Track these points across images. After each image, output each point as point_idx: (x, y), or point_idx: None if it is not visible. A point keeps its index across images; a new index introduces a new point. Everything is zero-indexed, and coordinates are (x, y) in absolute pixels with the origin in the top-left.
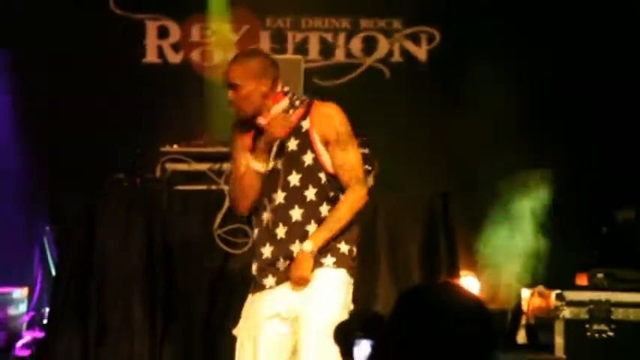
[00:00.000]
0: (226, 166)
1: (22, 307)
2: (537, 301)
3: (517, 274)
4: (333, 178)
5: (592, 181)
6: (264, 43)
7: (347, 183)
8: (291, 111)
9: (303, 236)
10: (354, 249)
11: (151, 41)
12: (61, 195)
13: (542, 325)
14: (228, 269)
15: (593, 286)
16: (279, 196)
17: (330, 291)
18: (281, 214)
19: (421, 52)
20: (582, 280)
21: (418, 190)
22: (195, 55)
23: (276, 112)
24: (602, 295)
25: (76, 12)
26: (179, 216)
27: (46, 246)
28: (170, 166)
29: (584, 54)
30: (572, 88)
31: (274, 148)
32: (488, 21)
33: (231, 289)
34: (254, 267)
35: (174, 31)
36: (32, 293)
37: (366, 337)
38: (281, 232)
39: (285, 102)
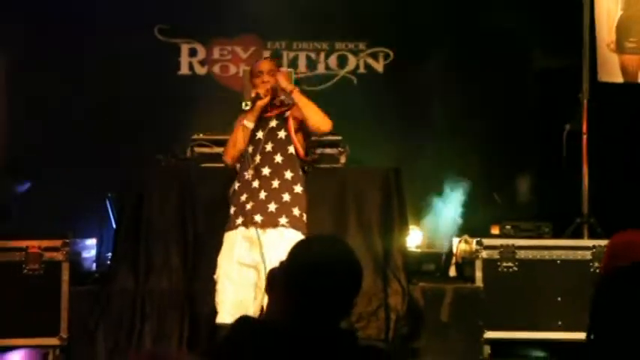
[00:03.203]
0: None
1: (93, 252)
2: (463, 246)
3: (448, 227)
4: (296, 153)
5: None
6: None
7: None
8: (286, 102)
9: (271, 193)
10: (304, 215)
11: (184, 59)
12: (119, 171)
13: (466, 263)
14: None
15: (502, 235)
16: (257, 159)
17: (283, 246)
18: (258, 172)
19: (379, 66)
20: (495, 230)
21: (377, 166)
22: (215, 69)
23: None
24: (509, 241)
25: (131, 39)
26: (203, 186)
27: (109, 208)
28: (197, 149)
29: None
30: (490, 97)
31: (257, 131)
32: (428, 43)
33: None
34: (232, 211)
35: (201, 51)
36: (99, 242)
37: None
38: (255, 185)
39: (282, 96)
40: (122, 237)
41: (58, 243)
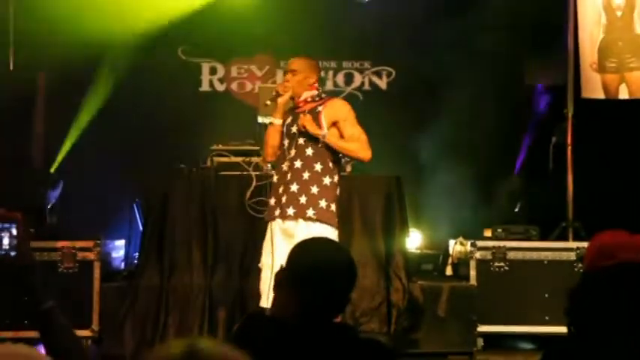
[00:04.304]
0: (254, 158)
1: (121, 252)
2: (458, 248)
3: (446, 231)
4: (327, 146)
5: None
6: (279, 77)
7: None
8: (317, 98)
9: (301, 184)
10: (333, 205)
11: (205, 76)
12: (145, 179)
13: (461, 263)
14: (255, 226)
15: (494, 237)
16: (292, 153)
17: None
18: (292, 164)
19: (382, 83)
20: (488, 233)
21: (380, 175)
22: (233, 86)
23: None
24: (501, 243)
25: (158, 59)
26: (222, 192)
27: (137, 212)
28: (216, 158)
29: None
30: (484, 112)
31: (291, 127)
32: (427, 63)
33: (257, 240)
34: (271, 201)
35: (220, 70)
36: (128, 243)
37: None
38: (289, 177)
39: (315, 92)
40: (148, 238)
41: (90, 244)
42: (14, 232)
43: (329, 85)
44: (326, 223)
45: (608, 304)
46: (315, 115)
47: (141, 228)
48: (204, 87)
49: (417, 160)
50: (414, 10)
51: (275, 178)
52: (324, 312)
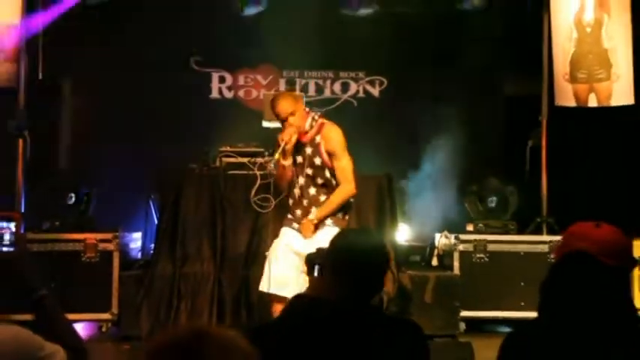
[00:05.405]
0: (259, 159)
1: (138, 243)
2: (443, 241)
3: (432, 225)
4: (333, 172)
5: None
6: (282, 85)
7: (340, 181)
8: (313, 124)
9: (316, 204)
10: (347, 216)
11: (214, 84)
12: (160, 177)
13: (446, 254)
14: (259, 221)
15: (476, 231)
16: (302, 180)
17: (326, 238)
18: (304, 191)
19: (375, 92)
20: (470, 227)
21: (373, 174)
22: (240, 93)
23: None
24: (482, 237)
25: (172, 69)
26: (230, 189)
27: (152, 207)
28: (225, 159)
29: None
30: (466, 117)
31: (297, 157)
32: (415, 73)
33: (261, 233)
34: (289, 216)
35: (228, 79)
36: (144, 235)
37: (319, 262)
38: (305, 201)
39: (309, 119)
40: (162, 231)
41: (110, 236)
42: (13, 229)
43: (327, 93)
44: (338, 227)
45: (555, 291)
46: (316, 147)
47: (156, 222)
48: (214, 94)
49: (406, 160)
50: (403, 26)
51: (290, 202)
52: (364, 292)
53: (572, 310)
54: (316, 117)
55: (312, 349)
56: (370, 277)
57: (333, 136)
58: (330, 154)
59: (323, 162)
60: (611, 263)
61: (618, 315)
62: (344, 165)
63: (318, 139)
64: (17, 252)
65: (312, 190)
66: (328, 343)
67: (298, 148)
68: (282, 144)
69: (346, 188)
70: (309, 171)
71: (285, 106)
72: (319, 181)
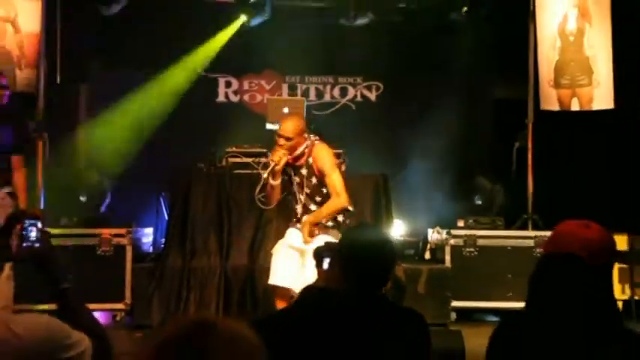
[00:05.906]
0: (262, 159)
1: (150, 238)
2: (436, 235)
3: (425, 221)
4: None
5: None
6: (284, 90)
7: (331, 195)
8: (305, 150)
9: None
10: (345, 218)
11: (221, 89)
12: (170, 176)
13: (438, 248)
14: (263, 217)
15: (466, 227)
16: (302, 199)
17: (326, 238)
18: (306, 208)
19: (372, 96)
20: (461, 223)
21: (370, 173)
22: (245, 97)
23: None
24: (472, 232)
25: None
26: (235, 187)
27: (163, 204)
28: (230, 159)
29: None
30: (457, 120)
31: (295, 177)
32: (409, 79)
33: (265, 229)
34: (294, 221)
35: (234, 83)
36: (155, 230)
37: (327, 255)
38: (305, 218)
39: (304, 145)
40: (172, 226)
41: (123, 231)
42: (39, 226)
43: (326, 97)
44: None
45: (542, 287)
46: (310, 168)
47: (166, 218)
48: (221, 98)
49: (401, 160)
50: (398, 35)
51: (294, 219)
52: (372, 285)
53: (558, 306)
54: (309, 141)
55: (322, 338)
56: (378, 271)
57: (321, 155)
58: (320, 172)
59: (318, 180)
60: (598, 262)
61: (602, 313)
62: (333, 180)
63: (310, 160)
64: (44, 247)
65: (313, 207)
66: (337, 332)
67: (295, 170)
68: (272, 165)
69: (335, 201)
70: (308, 190)
71: (288, 128)
72: (317, 198)
